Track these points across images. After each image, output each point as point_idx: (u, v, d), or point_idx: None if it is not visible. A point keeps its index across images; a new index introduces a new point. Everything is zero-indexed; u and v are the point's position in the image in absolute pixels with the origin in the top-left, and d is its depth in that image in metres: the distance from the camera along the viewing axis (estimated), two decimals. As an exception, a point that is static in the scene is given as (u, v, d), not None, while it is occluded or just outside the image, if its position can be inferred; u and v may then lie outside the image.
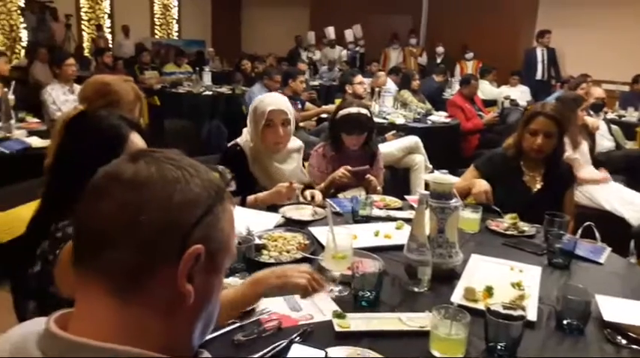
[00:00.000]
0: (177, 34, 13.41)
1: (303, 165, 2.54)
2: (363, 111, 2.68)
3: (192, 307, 0.66)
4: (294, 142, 2.43)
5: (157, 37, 12.72)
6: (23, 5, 10.07)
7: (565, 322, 1.35)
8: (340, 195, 2.54)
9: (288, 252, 1.72)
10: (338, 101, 4.87)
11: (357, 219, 2.09)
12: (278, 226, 1.97)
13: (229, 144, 2.39)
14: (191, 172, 0.66)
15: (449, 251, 1.60)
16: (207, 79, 7.13)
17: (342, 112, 2.68)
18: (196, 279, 0.65)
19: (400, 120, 4.92)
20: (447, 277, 1.59)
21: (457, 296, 1.45)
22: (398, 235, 1.90)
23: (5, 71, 4.39)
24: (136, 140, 1.34)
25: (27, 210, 1.52)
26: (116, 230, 0.62)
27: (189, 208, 0.64)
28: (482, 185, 2.25)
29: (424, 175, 1.76)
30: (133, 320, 0.63)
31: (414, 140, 4.31)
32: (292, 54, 11.08)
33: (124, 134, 1.32)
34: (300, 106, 5.24)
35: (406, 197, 2.43)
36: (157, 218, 0.62)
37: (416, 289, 1.51)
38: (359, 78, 4.98)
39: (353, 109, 2.66)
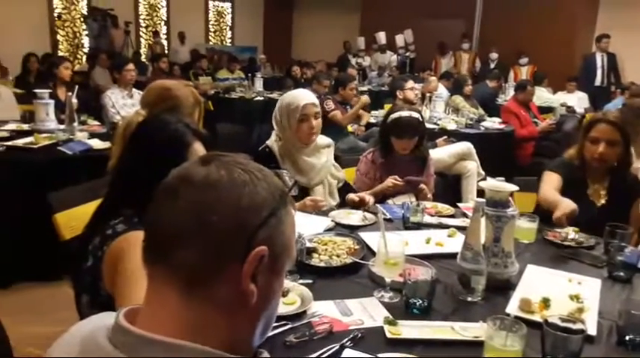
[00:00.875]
0: (230, 40, 13.70)
1: (337, 161, 2.56)
2: (415, 115, 2.65)
3: (254, 307, 0.68)
4: (324, 139, 2.48)
5: (210, 43, 13.05)
6: (86, 13, 10.55)
7: (627, 338, 1.29)
8: (389, 201, 2.52)
9: (338, 256, 1.72)
10: (388, 106, 4.85)
11: (408, 225, 2.07)
12: (327, 230, 1.98)
13: (260, 149, 2.45)
14: (258, 176, 0.68)
15: (504, 260, 1.56)
16: (258, 84, 7.26)
17: (392, 116, 2.66)
18: (259, 280, 0.67)
19: (452, 126, 4.84)
20: (501, 287, 1.55)
21: (512, 307, 1.41)
22: (450, 243, 1.88)
23: (67, 76, 4.56)
24: (199, 149, 1.37)
25: (89, 209, 1.58)
26: (187, 230, 0.64)
27: (255, 210, 0.66)
28: (568, 206, 1.95)
29: (481, 183, 1.70)
30: (198, 317, 0.65)
31: (466, 146, 4.22)
32: (341, 60, 11.11)
33: (188, 141, 1.36)
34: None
35: (459, 204, 2.38)
36: (225, 219, 0.65)
37: (469, 298, 1.48)
38: (410, 83, 4.92)
39: (404, 113, 2.64)
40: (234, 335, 0.68)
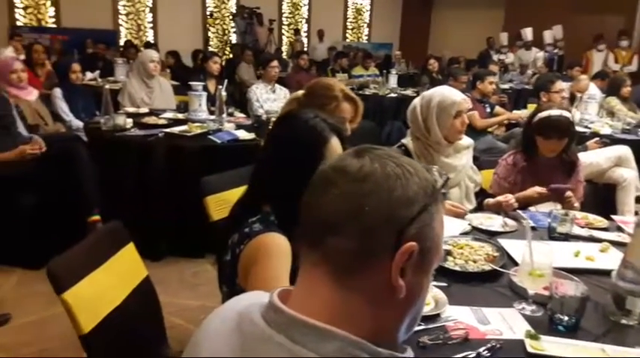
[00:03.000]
0: (366, 37, 13.81)
1: (474, 163, 2.50)
2: (566, 114, 2.45)
3: (402, 302, 0.68)
4: (465, 140, 2.41)
5: (347, 40, 13.26)
6: (234, 12, 11.30)
7: None
8: (532, 208, 2.37)
9: (474, 261, 1.65)
10: (531, 106, 4.54)
11: (554, 236, 1.92)
12: (463, 234, 1.91)
13: (395, 146, 2.42)
14: (410, 171, 0.68)
15: (669, 283, 1.39)
16: (392, 81, 7.24)
17: (541, 115, 2.47)
18: (408, 275, 0.67)
19: (606, 131, 4.40)
20: (663, 313, 1.38)
21: (677, 337, 1.25)
22: (602, 258, 1.72)
23: (215, 70, 4.88)
24: (336, 144, 1.37)
25: (235, 195, 1.69)
26: (341, 218, 0.66)
27: (407, 204, 0.66)
28: None
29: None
30: (346, 304, 0.67)
31: (623, 150, 3.80)
32: (482, 56, 10.65)
33: (325, 137, 1.37)
34: (488, 110, 5.01)
35: (613, 217, 2.17)
36: (378, 210, 0.65)
37: (624, 321, 1.34)
38: (558, 85, 4.45)
39: (554, 112, 2.44)
40: (380, 328, 0.68)
